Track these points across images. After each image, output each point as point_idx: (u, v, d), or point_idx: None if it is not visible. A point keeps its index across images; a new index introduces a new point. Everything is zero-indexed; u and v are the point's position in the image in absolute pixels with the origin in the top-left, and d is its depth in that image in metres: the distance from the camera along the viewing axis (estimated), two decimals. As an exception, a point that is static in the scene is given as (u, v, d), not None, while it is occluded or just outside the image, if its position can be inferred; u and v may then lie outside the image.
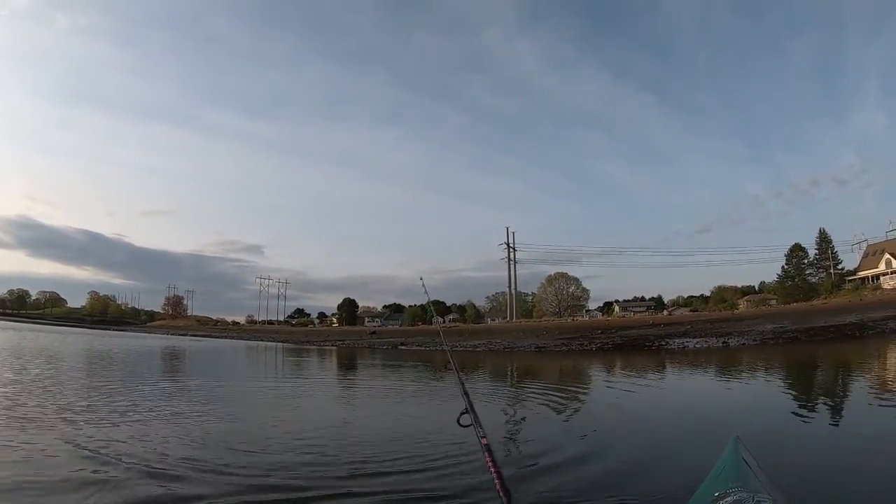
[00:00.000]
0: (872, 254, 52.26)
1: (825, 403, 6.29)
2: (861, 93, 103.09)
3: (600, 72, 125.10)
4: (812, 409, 6.13)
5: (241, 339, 44.66)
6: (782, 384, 8.81)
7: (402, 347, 27.85)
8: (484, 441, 1.38)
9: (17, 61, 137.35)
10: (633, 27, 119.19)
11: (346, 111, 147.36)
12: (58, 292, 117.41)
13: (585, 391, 8.44)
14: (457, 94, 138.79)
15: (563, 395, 8.12)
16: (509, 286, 61.40)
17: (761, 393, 7.74)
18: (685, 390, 7.93)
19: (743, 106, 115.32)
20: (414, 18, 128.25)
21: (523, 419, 6.44)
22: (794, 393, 7.56)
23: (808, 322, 23.45)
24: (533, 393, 8.61)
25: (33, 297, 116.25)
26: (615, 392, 8.25)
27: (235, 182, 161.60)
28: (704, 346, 20.07)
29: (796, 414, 5.75)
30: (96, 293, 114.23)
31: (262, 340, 40.05)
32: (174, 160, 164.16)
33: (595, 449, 4.43)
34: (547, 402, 7.52)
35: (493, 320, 62.55)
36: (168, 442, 4.60)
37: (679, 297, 71.64)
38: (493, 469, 1.25)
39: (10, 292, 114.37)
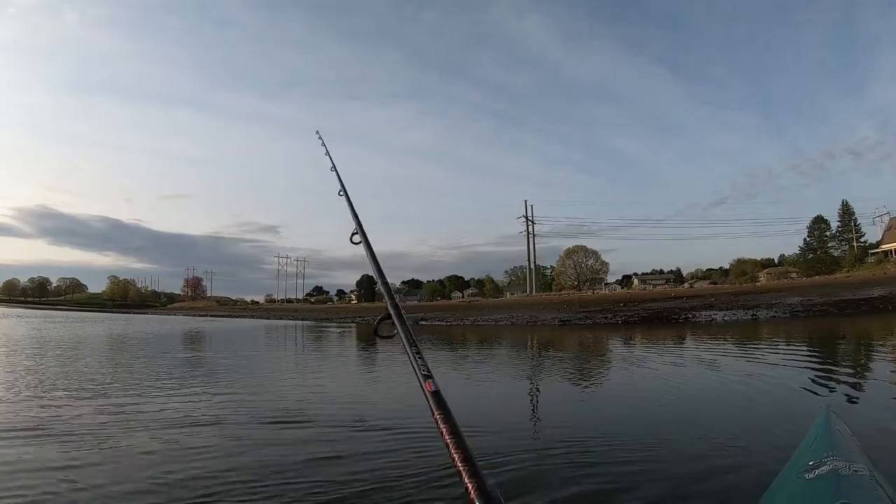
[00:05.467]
0: (895, 226, 50.95)
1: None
2: (876, 64, 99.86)
3: (612, 45, 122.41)
4: (889, 382, 5.87)
5: (261, 318, 45.18)
6: (842, 358, 8.48)
7: (423, 323, 27.81)
8: (429, 387, 0.77)
9: (32, 56, 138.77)
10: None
11: (360, 90, 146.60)
12: (80, 279, 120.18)
13: (641, 367, 8.14)
14: (469, 70, 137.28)
15: (620, 370, 7.95)
16: (528, 260, 61.07)
17: (826, 368, 7.40)
18: (744, 366, 7.65)
19: (757, 77, 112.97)
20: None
21: (593, 392, 6.29)
22: (862, 367, 7.26)
23: (832, 295, 22.98)
24: (586, 370, 8.46)
25: (54, 285, 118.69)
26: (667, 367, 8.10)
27: (251, 163, 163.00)
28: (733, 318, 19.79)
29: (877, 387, 5.53)
30: (116, 278, 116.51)
31: (281, 319, 40.45)
32: (190, 144, 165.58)
33: (677, 422, 4.39)
34: (605, 379, 7.48)
35: (511, 294, 62.47)
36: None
37: (697, 269, 71.00)
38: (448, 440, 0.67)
39: (31, 280, 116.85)
